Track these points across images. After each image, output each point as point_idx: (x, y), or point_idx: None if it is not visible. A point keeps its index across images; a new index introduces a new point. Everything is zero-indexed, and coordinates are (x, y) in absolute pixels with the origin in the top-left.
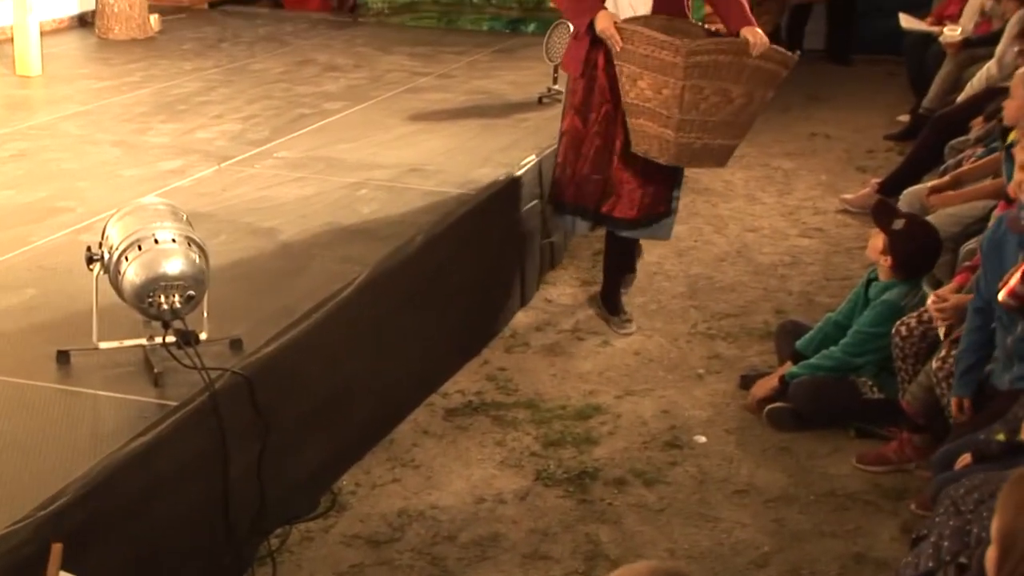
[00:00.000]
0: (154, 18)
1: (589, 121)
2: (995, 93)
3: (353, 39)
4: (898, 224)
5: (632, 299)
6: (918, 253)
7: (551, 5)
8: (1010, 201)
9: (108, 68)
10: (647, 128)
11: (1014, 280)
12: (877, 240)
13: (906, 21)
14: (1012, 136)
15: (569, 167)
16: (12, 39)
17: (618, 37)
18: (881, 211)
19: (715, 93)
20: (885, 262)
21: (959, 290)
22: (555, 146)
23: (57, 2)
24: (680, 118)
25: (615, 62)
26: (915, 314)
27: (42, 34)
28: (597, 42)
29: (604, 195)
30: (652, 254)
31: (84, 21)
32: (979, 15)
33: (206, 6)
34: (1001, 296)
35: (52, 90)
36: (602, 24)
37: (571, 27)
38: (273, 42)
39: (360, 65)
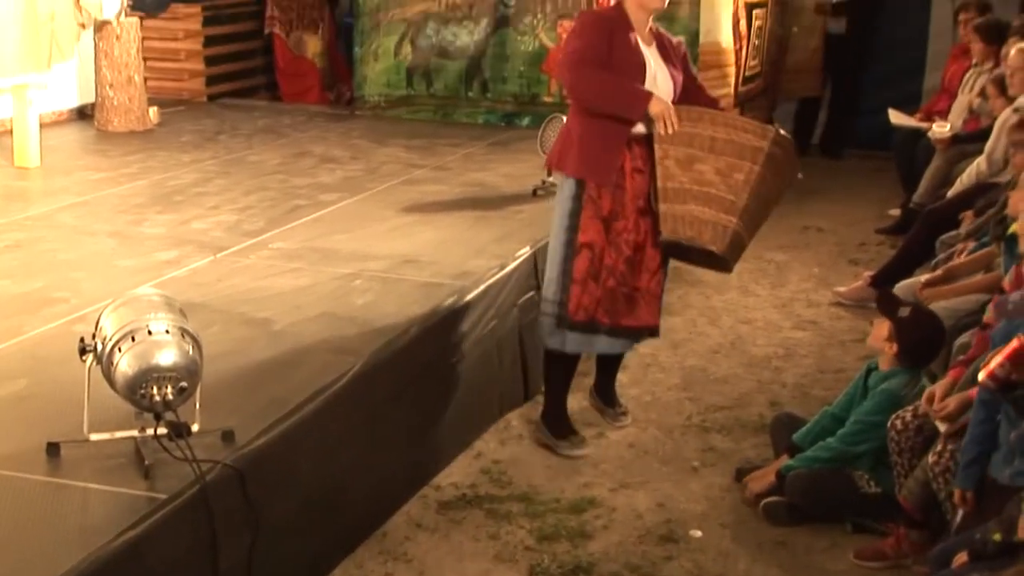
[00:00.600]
0: (153, 110)
1: (615, 230)
2: (985, 188)
3: (350, 131)
4: (904, 311)
5: (626, 391)
6: (924, 341)
7: (574, 100)
8: (1004, 294)
9: (106, 160)
10: (700, 214)
11: (994, 362)
12: (881, 328)
13: (895, 117)
14: (1013, 228)
15: (591, 282)
16: (12, 131)
17: (676, 118)
18: (886, 300)
19: (766, 182)
20: (890, 350)
21: (954, 385)
22: (548, 239)
23: (57, 95)
24: (745, 204)
25: (660, 145)
26: (910, 408)
27: (42, 126)
28: (629, 143)
29: (629, 307)
30: (647, 345)
31: (84, 114)
32: (967, 112)
33: (205, 99)
34: (981, 376)
35: (50, 181)
36: (660, 106)
37: (572, 128)
38: (271, 134)
39: (356, 157)
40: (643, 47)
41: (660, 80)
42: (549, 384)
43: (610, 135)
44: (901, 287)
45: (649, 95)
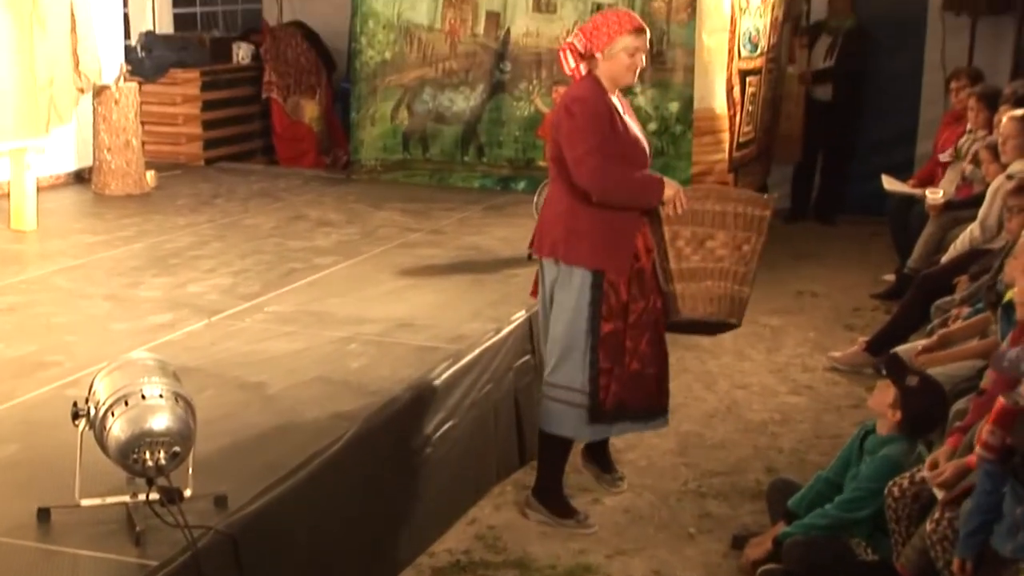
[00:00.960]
0: (150, 174)
1: (634, 311)
2: (979, 255)
3: (346, 195)
4: (912, 380)
5: (622, 455)
6: (928, 413)
7: (596, 200)
8: None
9: (102, 223)
10: (716, 289)
11: (985, 431)
12: (886, 393)
13: (888, 183)
14: (1008, 295)
15: (617, 370)
16: (9, 195)
17: (684, 199)
18: (895, 366)
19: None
20: (892, 416)
21: (953, 453)
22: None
23: (55, 159)
24: (755, 271)
25: (669, 227)
26: (907, 474)
27: (39, 190)
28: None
29: (650, 388)
30: None
31: (81, 177)
32: (960, 179)
33: (202, 162)
34: (977, 450)
35: (46, 245)
36: (672, 190)
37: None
38: (267, 198)
39: (352, 221)
40: (624, 115)
41: (643, 143)
42: (548, 464)
43: (625, 223)
44: (898, 352)
45: (663, 182)
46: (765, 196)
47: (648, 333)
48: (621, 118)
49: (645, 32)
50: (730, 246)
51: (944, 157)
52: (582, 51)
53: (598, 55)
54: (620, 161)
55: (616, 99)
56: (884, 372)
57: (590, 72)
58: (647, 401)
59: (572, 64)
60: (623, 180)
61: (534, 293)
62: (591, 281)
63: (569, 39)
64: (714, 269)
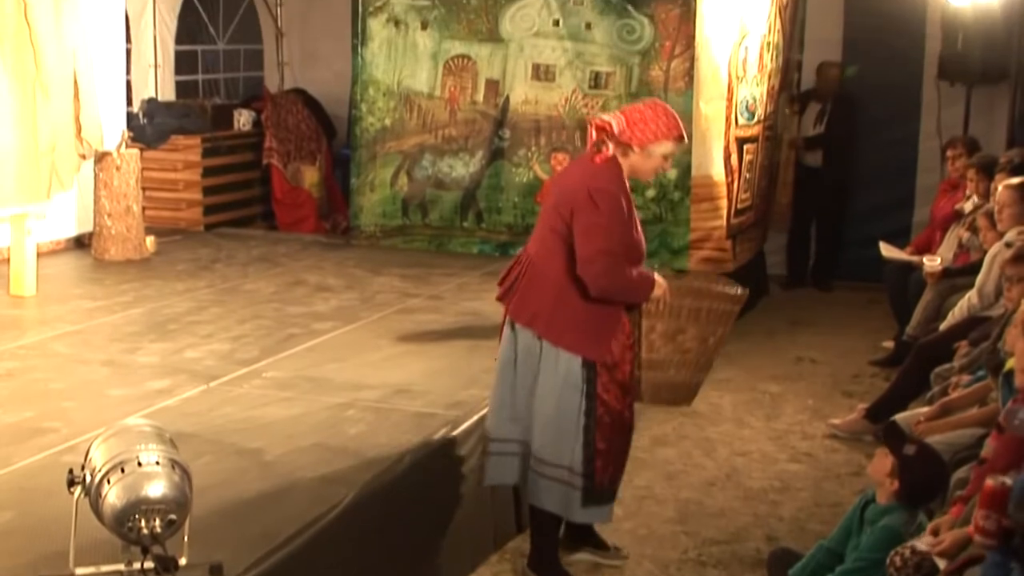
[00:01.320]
0: (150, 240)
1: (627, 390)
2: (977, 322)
3: (345, 260)
4: (910, 449)
5: (621, 524)
6: (926, 482)
7: (593, 295)
8: (1002, 429)
9: (102, 288)
10: (676, 377)
11: (979, 517)
12: (884, 461)
13: (886, 250)
14: (1009, 364)
15: (612, 448)
16: (9, 260)
17: (669, 296)
18: (892, 434)
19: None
20: (891, 485)
21: (954, 523)
22: None
23: (55, 224)
24: (712, 359)
25: (647, 320)
26: (909, 544)
27: (39, 255)
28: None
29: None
30: (641, 478)
31: (81, 242)
32: (957, 247)
33: (202, 228)
34: (976, 538)
35: (45, 310)
36: (661, 289)
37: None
38: (266, 263)
39: (351, 286)
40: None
41: (642, 235)
42: (542, 536)
43: (614, 314)
44: (896, 420)
45: (654, 281)
46: (738, 291)
47: (632, 416)
48: (634, 214)
49: (684, 141)
50: (698, 339)
51: (967, 207)
52: (616, 135)
53: (635, 149)
54: (625, 256)
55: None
56: (882, 440)
57: (615, 158)
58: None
59: (594, 137)
60: (625, 281)
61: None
62: (582, 362)
63: (606, 117)
64: (679, 360)
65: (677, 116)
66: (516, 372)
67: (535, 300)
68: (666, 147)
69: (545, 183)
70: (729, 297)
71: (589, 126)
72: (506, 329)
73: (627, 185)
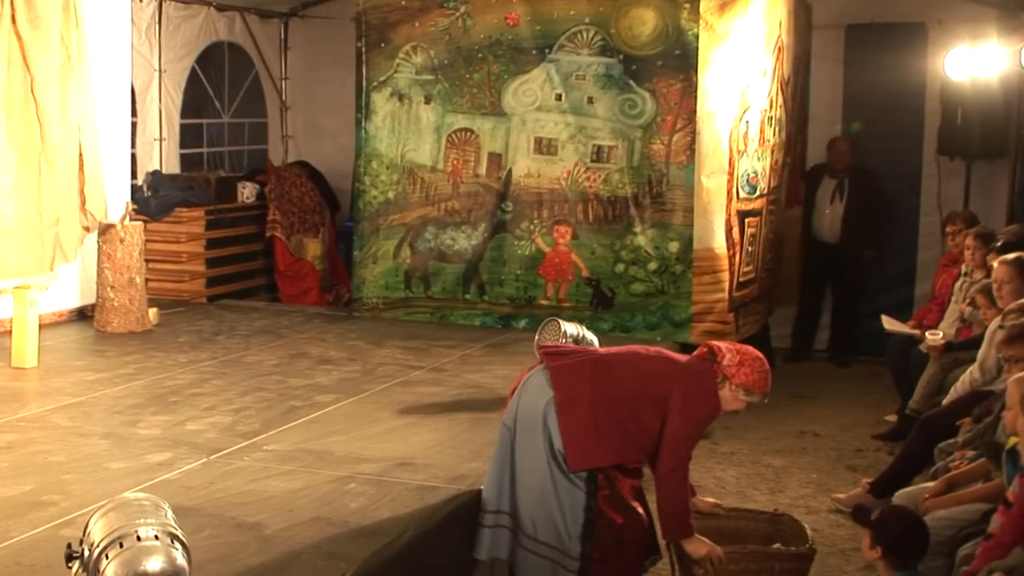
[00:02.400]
0: (153, 311)
1: (629, 509)
2: (980, 397)
3: (347, 332)
4: (875, 514)
5: None
6: (903, 537)
7: (658, 481)
8: (1009, 505)
9: (103, 360)
10: None
11: None
12: (866, 540)
13: (888, 323)
14: (1012, 441)
15: (609, 561)
16: (11, 331)
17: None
18: (857, 511)
19: None
20: (875, 554)
21: None
22: None
23: (58, 296)
24: None
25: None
26: None
27: (41, 326)
28: None
29: (651, 526)
30: None
31: (84, 314)
32: (959, 321)
33: (205, 300)
34: None
35: (46, 382)
36: (705, 549)
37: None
38: (268, 335)
39: (353, 358)
40: None
41: None
42: None
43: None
44: (901, 496)
45: (692, 531)
46: (807, 546)
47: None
48: None
49: (767, 398)
50: None
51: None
52: (723, 365)
53: (733, 384)
54: None
55: None
56: (857, 523)
57: (721, 379)
58: (642, 545)
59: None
60: (684, 494)
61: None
62: (603, 475)
63: (725, 344)
64: None
65: (769, 375)
66: (515, 438)
67: (578, 386)
68: (754, 397)
69: (547, 255)
70: (795, 556)
71: (709, 346)
72: (517, 391)
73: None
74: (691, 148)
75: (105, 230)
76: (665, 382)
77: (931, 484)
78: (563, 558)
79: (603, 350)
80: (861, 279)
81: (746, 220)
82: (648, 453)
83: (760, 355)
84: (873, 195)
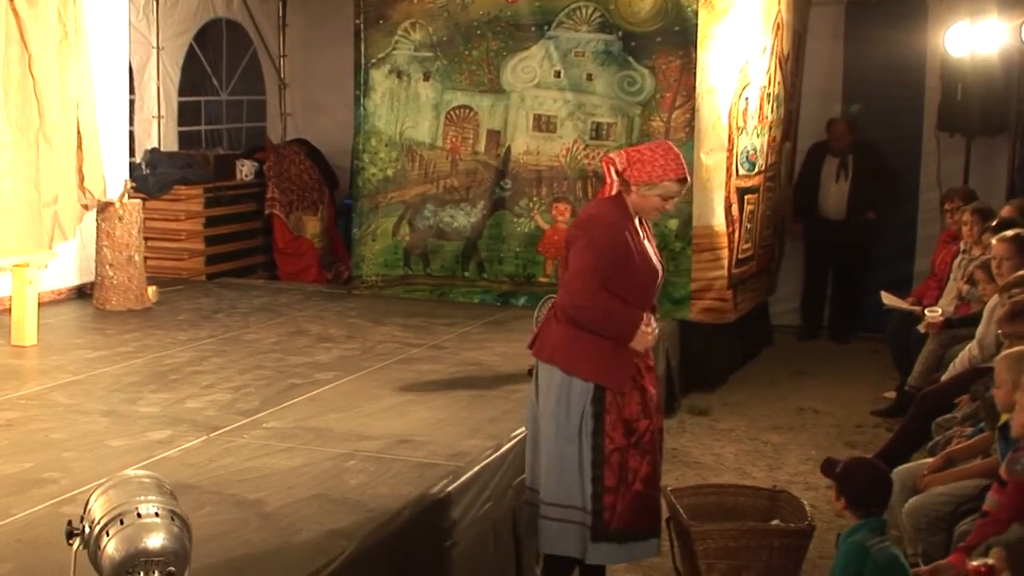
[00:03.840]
0: (152, 290)
1: (638, 431)
2: (979, 373)
3: (346, 310)
4: (839, 467)
5: (623, 574)
6: (865, 485)
7: (568, 314)
8: (1003, 483)
9: (103, 338)
10: None
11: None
12: (834, 490)
13: (888, 299)
14: (1004, 417)
15: (622, 489)
16: (10, 309)
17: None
18: (826, 464)
19: None
20: (840, 505)
21: (956, 572)
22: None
23: (57, 274)
24: None
25: (703, 562)
26: None
27: (40, 304)
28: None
29: (652, 510)
30: None
31: (83, 292)
32: (957, 298)
33: (204, 278)
34: None
35: (45, 360)
36: (647, 337)
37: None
38: (268, 313)
39: (352, 336)
40: (641, 236)
41: (654, 265)
42: None
43: (627, 349)
44: (900, 471)
45: (638, 319)
46: (807, 523)
47: (651, 455)
48: (638, 243)
49: (687, 182)
50: (766, 574)
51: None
52: (618, 169)
53: (632, 187)
54: (619, 293)
55: (639, 223)
56: (824, 476)
57: (620, 194)
58: (649, 521)
59: (604, 176)
60: (604, 308)
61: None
62: (592, 394)
63: (612, 155)
64: None
65: (680, 157)
66: (538, 418)
67: (552, 335)
68: (666, 187)
69: (546, 233)
70: (794, 532)
71: (603, 163)
72: (535, 375)
73: (633, 221)
74: (690, 125)
75: (104, 208)
76: (571, 241)
77: (930, 460)
78: (585, 515)
79: None
80: (865, 256)
81: (745, 197)
82: None
83: (659, 142)
84: (878, 170)
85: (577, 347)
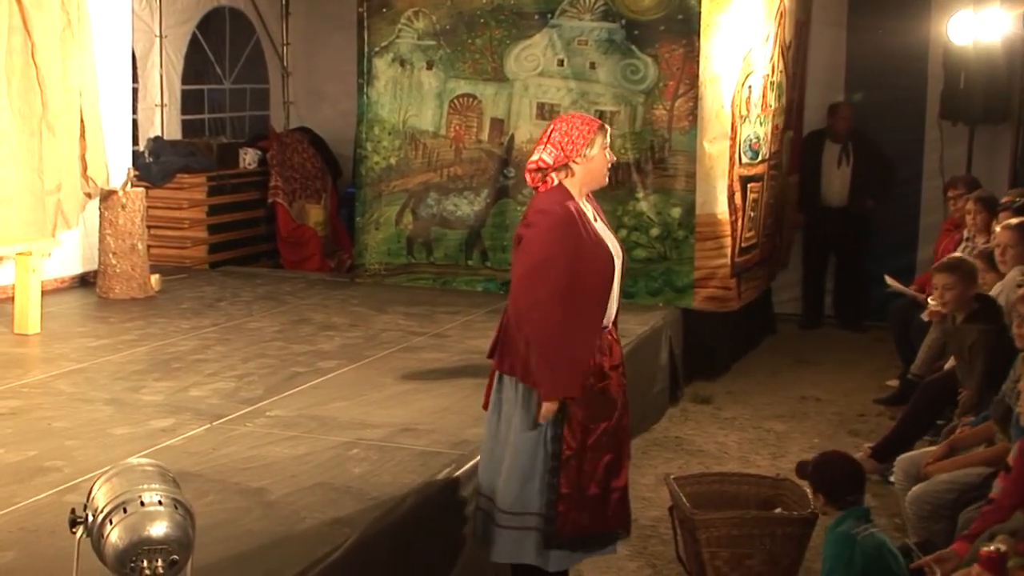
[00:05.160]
0: (155, 278)
1: (594, 432)
2: None
3: (349, 299)
4: (807, 468)
5: (626, 564)
6: (836, 477)
7: (511, 314)
8: (1009, 470)
9: (106, 327)
10: None
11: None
12: (810, 490)
13: (891, 282)
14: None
15: (576, 496)
16: (13, 298)
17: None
18: (800, 467)
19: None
20: (819, 502)
21: (960, 562)
22: None
23: (60, 262)
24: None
25: (706, 550)
26: None
27: (43, 293)
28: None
29: (607, 511)
30: (646, 517)
31: (86, 281)
32: None
33: (207, 266)
34: None
35: (49, 348)
36: (551, 408)
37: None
38: (271, 301)
39: (356, 324)
40: (592, 221)
41: (608, 248)
42: None
43: (577, 344)
44: (903, 460)
45: (574, 384)
46: (809, 511)
47: (609, 454)
48: (589, 226)
49: (606, 126)
50: (769, 563)
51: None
52: (552, 163)
53: (577, 160)
54: (582, 276)
55: (586, 203)
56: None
57: (560, 185)
58: (607, 525)
59: (535, 180)
60: (552, 323)
61: (486, 406)
62: (565, 405)
63: (535, 157)
64: None
65: (581, 114)
66: (497, 427)
67: (511, 346)
68: (600, 139)
69: None
70: (796, 520)
71: (527, 174)
72: (495, 385)
73: (579, 200)
74: (693, 113)
75: (107, 196)
76: (518, 236)
77: (933, 448)
78: (539, 521)
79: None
80: (865, 242)
81: (748, 185)
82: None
83: (557, 119)
84: (879, 156)
85: (531, 355)
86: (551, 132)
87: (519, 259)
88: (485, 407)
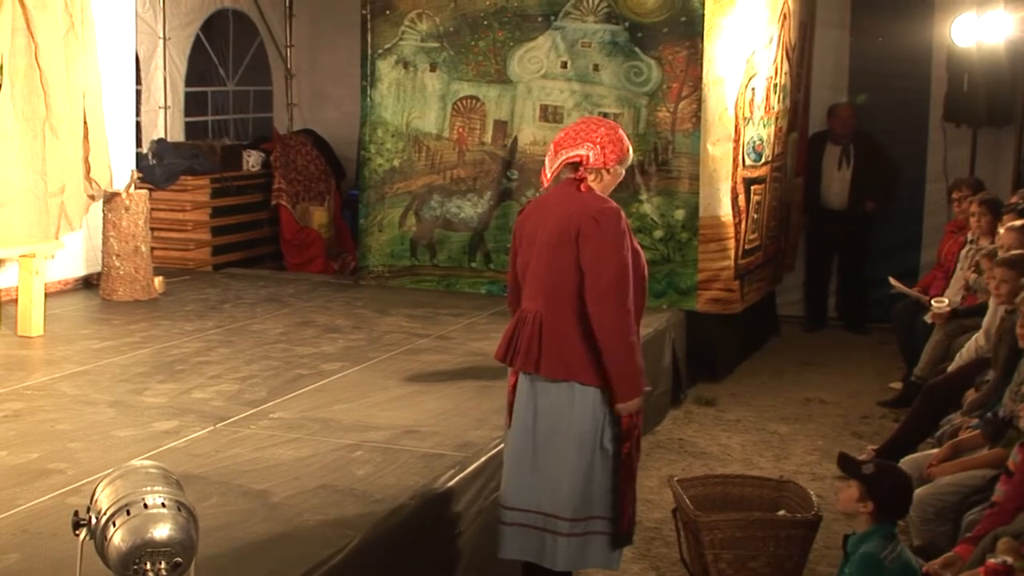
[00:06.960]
0: (158, 280)
1: (637, 428)
2: (985, 363)
3: (353, 301)
4: (868, 468)
5: (630, 566)
6: (898, 492)
7: (595, 327)
8: (1010, 474)
9: (109, 329)
10: None
11: None
12: (851, 491)
13: (895, 284)
14: None
15: (630, 492)
16: (17, 300)
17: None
18: (847, 462)
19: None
20: (865, 509)
21: (961, 563)
22: None
23: (64, 264)
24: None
25: (710, 552)
26: None
27: (47, 295)
28: None
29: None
30: (649, 519)
31: (89, 283)
32: (964, 289)
33: (211, 268)
34: None
35: (52, 350)
36: (638, 407)
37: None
38: (274, 303)
39: (359, 326)
40: None
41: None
42: None
43: (637, 344)
44: (906, 462)
45: (641, 391)
46: (812, 513)
47: (638, 451)
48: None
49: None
50: (772, 565)
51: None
52: (593, 163)
53: (610, 169)
54: (634, 278)
55: None
56: (843, 472)
57: (589, 186)
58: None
59: (551, 171)
60: (632, 328)
61: (509, 423)
62: (601, 399)
63: (581, 151)
64: None
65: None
66: (536, 437)
67: (567, 351)
68: (628, 159)
69: None
70: (800, 522)
71: (554, 157)
72: (522, 395)
73: None
74: (697, 115)
75: (110, 198)
76: (571, 232)
77: (936, 450)
78: (596, 523)
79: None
80: (867, 244)
81: (752, 187)
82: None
83: (599, 120)
84: (880, 158)
85: (582, 353)
86: (596, 131)
87: (599, 261)
88: (508, 424)
